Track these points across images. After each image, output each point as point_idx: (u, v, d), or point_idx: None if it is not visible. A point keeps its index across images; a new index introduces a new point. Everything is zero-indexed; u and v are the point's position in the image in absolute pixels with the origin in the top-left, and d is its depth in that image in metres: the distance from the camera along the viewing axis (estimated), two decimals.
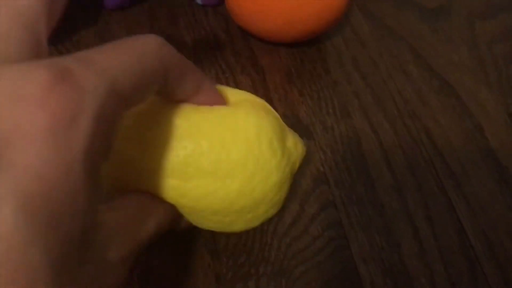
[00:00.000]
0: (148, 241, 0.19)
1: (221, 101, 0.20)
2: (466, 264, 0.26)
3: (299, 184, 0.28)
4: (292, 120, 0.31)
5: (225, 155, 0.19)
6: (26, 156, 0.11)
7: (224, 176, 0.19)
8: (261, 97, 0.32)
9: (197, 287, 0.24)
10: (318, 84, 0.33)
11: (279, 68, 0.34)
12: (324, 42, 0.36)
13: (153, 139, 0.19)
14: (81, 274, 0.13)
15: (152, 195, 0.19)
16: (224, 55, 0.35)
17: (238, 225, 0.21)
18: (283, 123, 0.22)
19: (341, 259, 0.26)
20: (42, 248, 0.11)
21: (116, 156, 0.19)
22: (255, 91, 0.33)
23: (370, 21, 0.37)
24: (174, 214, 0.20)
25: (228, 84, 0.33)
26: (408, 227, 0.27)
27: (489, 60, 0.35)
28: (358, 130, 0.31)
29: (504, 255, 0.26)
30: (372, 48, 0.35)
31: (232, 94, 0.21)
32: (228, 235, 0.26)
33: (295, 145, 0.22)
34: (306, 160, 0.29)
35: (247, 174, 0.19)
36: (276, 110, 0.32)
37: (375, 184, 0.29)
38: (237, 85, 0.33)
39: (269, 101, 0.32)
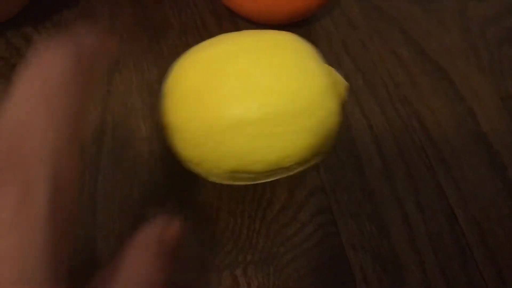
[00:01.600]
0: None
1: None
2: (457, 250, 0.26)
3: None
4: None
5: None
6: None
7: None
8: None
9: (184, 275, 0.24)
10: None
11: None
12: (313, 24, 0.35)
13: None
14: None
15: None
16: (211, 37, 0.34)
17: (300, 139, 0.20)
18: None
19: (330, 245, 0.25)
20: None
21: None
22: None
23: (360, 2, 0.36)
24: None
25: None
26: (398, 213, 0.27)
27: (481, 43, 0.34)
28: (348, 114, 0.30)
29: (495, 241, 0.26)
30: (362, 31, 0.34)
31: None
32: (215, 222, 0.25)
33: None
34: None
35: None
36: None
37: (365, 169, 0.28)
38: None
39: None
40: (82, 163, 0.14)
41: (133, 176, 0.27)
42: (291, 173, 0.22)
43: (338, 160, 0.28)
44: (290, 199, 0.27)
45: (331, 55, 0.33)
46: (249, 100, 0.19)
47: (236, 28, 0.34)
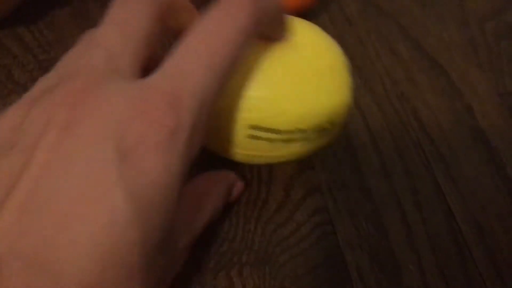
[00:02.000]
0: (207, 224, 0.21)
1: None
2: (455, 249, 0.25)
3: (283, 169, 0.27)
4: None
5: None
6: (144, 162, 0.14)
7: None
8: None
9: (178, 276, 0.23)
10: None
11: None
12: (309, 19, 0.34)
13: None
14: (162, 261, 0.15)
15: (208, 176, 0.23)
16: None
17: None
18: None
19: (327, 245, 0.25)
20: (140, 232, 0.13)
21: None
22: None
23: None
24: (228, 192, 0.24)
25: None
26: (396, 212, 0.26)
27: (480, 39, 0.34)
28: None
29: (493, 239, 0.26)
30: (359, 27, 0.34)
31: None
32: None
33: None
34: None
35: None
36: None
37: (362, 167, 0.28)
38: None
39: None
40: None
41: None
42: (303, 151, 0.22)
43: (334, 158, 0.28)
44: (286, 198, 0.26)
45: None
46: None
47: None
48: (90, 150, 0.13)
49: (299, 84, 0.20)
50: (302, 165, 0.27)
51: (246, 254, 0.24)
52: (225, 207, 0.24)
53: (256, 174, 0.27)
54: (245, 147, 0.21)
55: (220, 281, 0.24)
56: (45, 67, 0.30)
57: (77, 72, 0.15)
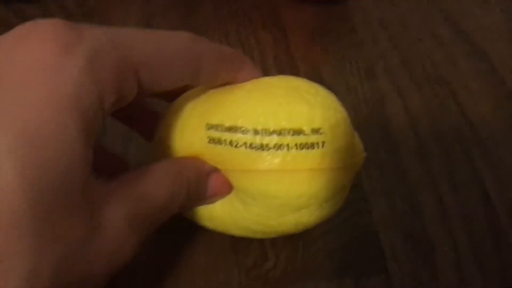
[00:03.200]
0: (172, 212, 0.18)
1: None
2: (491, 234, 0.25)
3: None
4: (314, 79, 0.30)
5: None
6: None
7: None
8: (283, 55, 0.31)
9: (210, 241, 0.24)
10: (343, 43, 0.32)
11: (302, 26, 0.33)
12: (351, 0, 0.34)
13: None
14: (73, 231, 0.13)
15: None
16: (245, 9, 0.33)
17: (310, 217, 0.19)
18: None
19: (361, 222, 0.25)
20: (26, 193, 0.12)
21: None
22: (276, 48, 0.31)
23: None
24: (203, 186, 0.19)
25: (248, 41, 0.32)
26: (431, 194, 0.26)
27: None
28: (383, 93, 0.30)
29: None
30: (401, 9, 0.34)
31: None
32: None
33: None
34: None
35: None
36: (298, 69, 0.30)
37: (399, 148, 0.28)
38: (257, 42, 0.32)
39: (291, 59, 0.31)
40: None
41: None
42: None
43: (371, 137, 0.28)
44: None
45: (368, 32, 0.32)
46: None
47: (271, 1, 0.34)
48: None
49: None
50: None
51: None
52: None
53: None
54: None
55: (254, 250, 0.24)
56: None
57: None
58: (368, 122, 0.28)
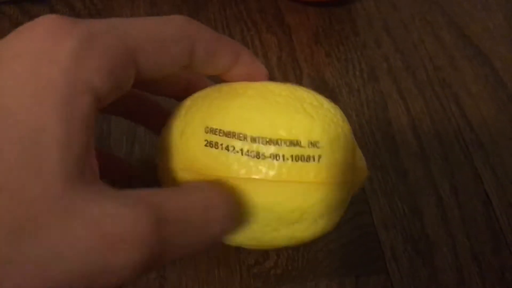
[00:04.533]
0: (209, 246, 0.16)
1: (261, 71, 0.19)
2: (490, 236, 0.25)
3: None
4: (317, 81, 0.30)
5: None
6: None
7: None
8: (287, 56, 0.31)
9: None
10: (346, 45, 0.32)
11: (306, 28, 0.33)
12: (354, 3, 0.34)
13: None
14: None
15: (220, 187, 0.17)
16: (250, 12, 0.34)
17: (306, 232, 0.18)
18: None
19: (362, 223, 0.25)
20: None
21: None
22: (280, 50, 0.32)
23: None
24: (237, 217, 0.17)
25: (252, 42, 0.32)
26: (431, 195, 0.26)
27: None
28: (385, 95, 0.30)
29: None
30: (404, 12, 0.34)
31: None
32: None
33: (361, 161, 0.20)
34: None
35: None
36: (302, 71, 0.31)
37: (400, 150, 0.28)
38: (262, 44, 0.32)
39: (295, 61, 0.31)
40: None
41: None
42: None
43: (372, 139, 0.28)
44: None
45: (371, 35, 0.33)
46: None
47: (275, 4, 0.34)
48: None
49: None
50: None
51: None
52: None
53: None
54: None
55: (255, 250, 0.24)
56: None
57: None
58: (370, 123, 0.29)
